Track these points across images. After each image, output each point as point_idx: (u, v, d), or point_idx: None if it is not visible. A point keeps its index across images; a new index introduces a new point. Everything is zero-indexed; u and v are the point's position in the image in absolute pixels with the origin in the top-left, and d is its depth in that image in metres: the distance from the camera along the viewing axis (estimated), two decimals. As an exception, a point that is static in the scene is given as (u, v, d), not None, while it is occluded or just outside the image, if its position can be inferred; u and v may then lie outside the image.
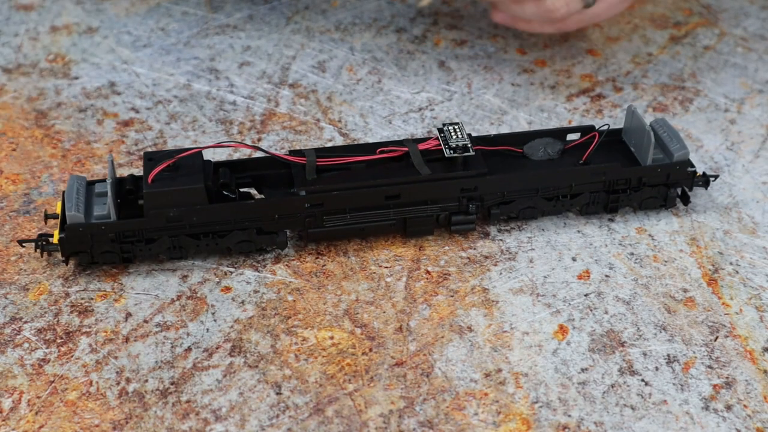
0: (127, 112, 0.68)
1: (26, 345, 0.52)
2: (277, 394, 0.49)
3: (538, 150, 0.58)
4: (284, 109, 0.68)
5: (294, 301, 0.54)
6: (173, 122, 0.67)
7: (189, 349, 0.52)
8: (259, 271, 0.56)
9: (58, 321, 0.53)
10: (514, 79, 0.71)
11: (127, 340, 0.52)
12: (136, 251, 0.55)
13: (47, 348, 0.52)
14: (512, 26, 0.71)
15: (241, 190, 0.57)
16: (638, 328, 0.53)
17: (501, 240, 0.58)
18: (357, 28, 0.76)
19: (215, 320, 0.53)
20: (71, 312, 0.54)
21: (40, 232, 0.57)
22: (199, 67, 0.72)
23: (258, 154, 0.57)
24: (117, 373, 0.50)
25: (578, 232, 0.59)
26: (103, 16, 0.78)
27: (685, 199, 0.60)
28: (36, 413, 0.48)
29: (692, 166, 0.58)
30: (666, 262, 0.57)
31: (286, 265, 0.57)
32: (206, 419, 0.48)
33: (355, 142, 0.65)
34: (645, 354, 0.52)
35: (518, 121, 0.67)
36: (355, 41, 0.75)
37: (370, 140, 0.65)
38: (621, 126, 0.61)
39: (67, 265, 0.56)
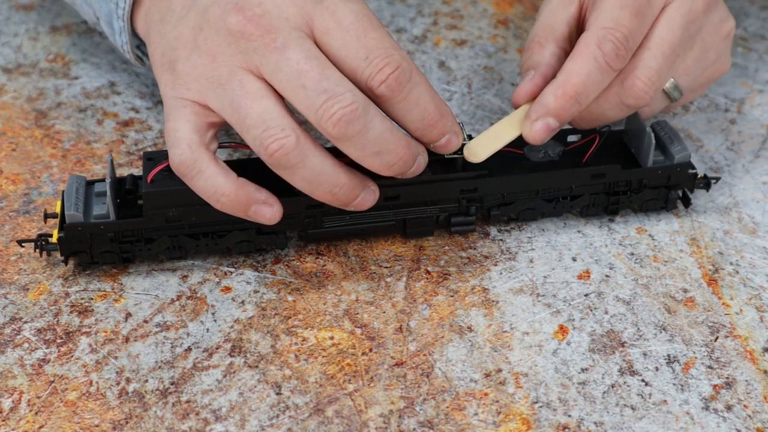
0: (127, 112, 0.68)
1: (26, 345, 0.52)
2: (277, 394, 0.49)
3: (539, 151, 0.58)
4: (284, 110, 0.68)
5: (294, 301, 0.54)
6: (173, 122, 0.67)
7: (189, 349, 0.52)
8: (259, 271, 0.56)
9: (58, 321, 0.53)
10: (514, 79, 0.71)
11: (127, 340, 0.52)
12: (135, 251, 0.55)
13: (47, 348, 0.52)
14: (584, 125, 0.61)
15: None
16: (638, 328, 0.53)
17: (501, 240, 0.58)
18: (357, 29, 0.76)
19: (215, 320, 0.53)
20: (71, 312, 0.53)
21: (39, 232, 0.57)
22: (199, 67, 0.72)
23: (258, 154, 0.57)
24: (117, 373, 0.50)
25: (578, 232, 0.59)
26: (103, 16, 0.78)
27: (686, 201, 0.60)
28: (36, 413, 0.48)
29: (693, 168, 0.58)
30: (666, 262, 0.57)
31: (286, 265, 0.57)
32: (206, 419, 0.48)
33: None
34: (645, 354, 0.52)
35: (518, 122, 0.67)
36: (355, 41, 0.75)
37: (370, 140, 0.65)
38: (621, 127, 0.61)
39: (66, 264, 0.56)
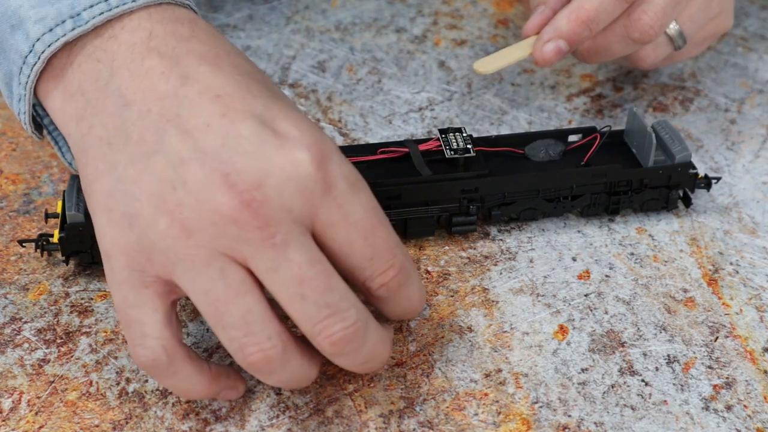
0: (127, 112, 0.67)
1: (26, 345, 0.52)
2: (277, 394, 0.49)
3: (540, 151, 0.58)
4: (284, 109, 0.68)
5: (294, 301, 0.54)
6: (173, 122, 0.67)
7: (189, 349, 0.52)
8: (259, 271, 0.56)
9: (58, 321, 0.53)
10: (514, 79, 0.71)
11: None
12: (136, 251, 0.55)
13: (47, 348, 0.52)
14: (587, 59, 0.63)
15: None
16: (638, 329, 0.53)
17: (501, 240, 0.58)
18: (357, 28, 0.76)
19: (215, 320, 0.53)
20: (71, 312, 0.53)
21: (40, 232, 0.57)
22: (200, 67, 0.72)
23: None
24: (117, 373, 0.50)
25: (578, 232, 0.59)
26: (103, 16, 0.78)
27: (687, 201, 0.60)
28: (36, 413, 0.48)
29: (694, 167, 0.58)
30: (666, 262, 0.57)
31: (287, 265, 0.57)
32: (206, 419, 0.48)
33: (355, 142, 0.65)
34: (645, 354, 0.52)
35: (518, 121, 0.67)
36: (355, 41, 0.75)
37: (371, 140, 0.65)
38: (622, 127, 0.61)
39: (67, 264, 0.56)
